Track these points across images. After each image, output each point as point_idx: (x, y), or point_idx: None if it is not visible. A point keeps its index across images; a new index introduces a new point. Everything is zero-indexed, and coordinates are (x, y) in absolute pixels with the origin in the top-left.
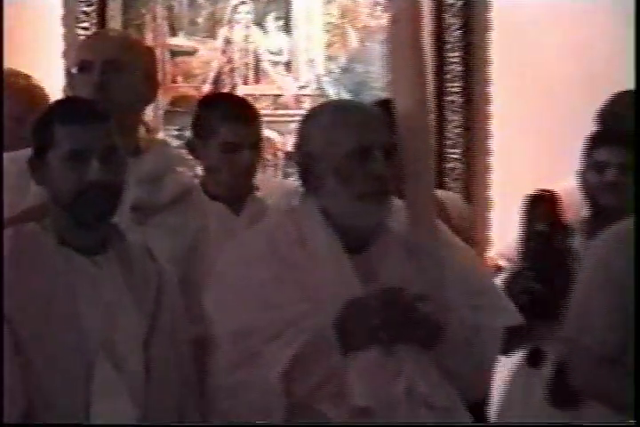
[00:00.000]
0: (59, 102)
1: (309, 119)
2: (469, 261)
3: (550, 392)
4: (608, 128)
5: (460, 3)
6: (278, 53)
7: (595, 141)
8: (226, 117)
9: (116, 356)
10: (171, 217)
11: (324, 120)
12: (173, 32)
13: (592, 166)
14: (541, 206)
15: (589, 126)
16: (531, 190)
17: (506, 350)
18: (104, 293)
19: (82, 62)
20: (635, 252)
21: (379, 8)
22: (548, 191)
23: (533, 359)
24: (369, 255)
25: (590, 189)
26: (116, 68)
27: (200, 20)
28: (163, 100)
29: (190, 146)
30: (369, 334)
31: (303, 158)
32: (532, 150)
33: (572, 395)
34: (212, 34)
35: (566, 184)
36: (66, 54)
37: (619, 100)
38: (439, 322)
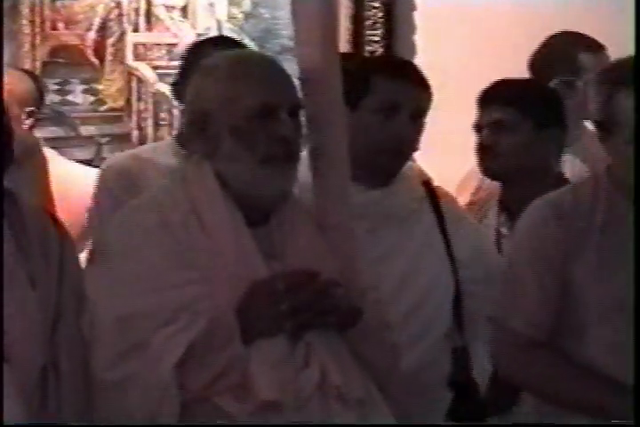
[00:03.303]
0: None
1: (204, 72)
2: None
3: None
4: (537, 77)
5: None
6: None
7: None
8: None
9: (5, 345)
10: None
11: (221, 73)
12: None
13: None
14: None
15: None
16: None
17: None
18: None
19: None
20: (634, 249)
21: None
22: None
23: None
24: (272, 228)
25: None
26: None
27: None
28: (41, 49)
29: None
30: (275, 320)
31: (197, 117)
32: (456, 99)
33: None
34: None
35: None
36: None
37: (552, 47)
38: (353, 305)
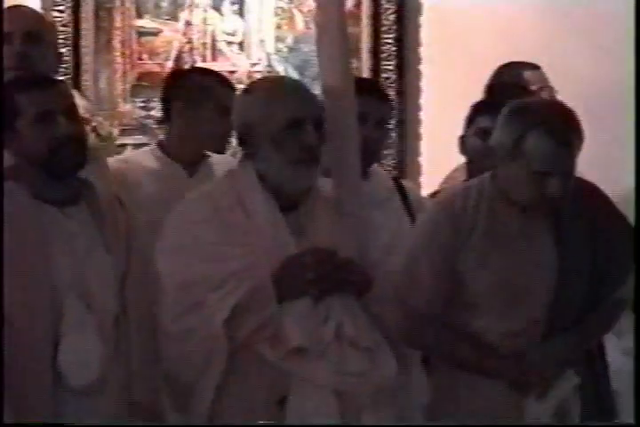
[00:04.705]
0: (14, 77)
1: (248, 92)
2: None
3: None
4: (493, 98)
5: None
6: (233, 34)
7: (480, 110)
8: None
9: (89, 297)
10: (88, 173)
11: (261, 94)
12: (140, 15)
13: (476, 133)
14: None
15: None
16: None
17: None
18: (76, 241)
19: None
20: (635, 249)
21: None
22: None
23: None
24: (300, 214)
25: (474, 154)
26: (35, 40)
27: (164, 4)
28: (130, 75)
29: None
30: (302, 287)
31: (242, 128)
32: (459, 121)
33: None
34: (174, 17)
35: None
36: None
37: (502, 73)
38: (366, 276)
